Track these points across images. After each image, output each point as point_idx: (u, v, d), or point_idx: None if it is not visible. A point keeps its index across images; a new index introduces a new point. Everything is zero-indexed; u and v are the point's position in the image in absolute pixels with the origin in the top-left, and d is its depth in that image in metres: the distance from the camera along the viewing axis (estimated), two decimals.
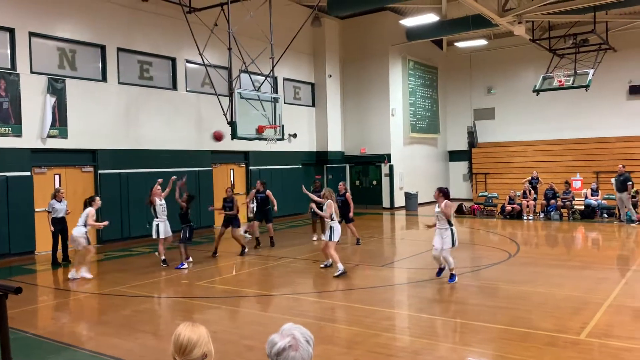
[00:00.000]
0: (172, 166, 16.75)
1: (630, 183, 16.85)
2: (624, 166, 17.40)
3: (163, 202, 11.85)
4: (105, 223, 11.71)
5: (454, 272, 9.32)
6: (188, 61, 17.47)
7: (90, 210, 10.78)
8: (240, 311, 8.15)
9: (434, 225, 9.54)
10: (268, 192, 14.03)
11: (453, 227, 9.30)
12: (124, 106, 15.70)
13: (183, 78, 17.50)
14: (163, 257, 11.72)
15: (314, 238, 14.72)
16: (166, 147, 16.72)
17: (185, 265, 11.53)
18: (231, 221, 12.86)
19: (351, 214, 13.93)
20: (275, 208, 13.99)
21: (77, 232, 10.57)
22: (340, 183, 14.78)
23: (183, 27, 15.14)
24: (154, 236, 11.75)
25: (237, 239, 13.00)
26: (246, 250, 13.01)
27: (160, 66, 17.04)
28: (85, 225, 10.66)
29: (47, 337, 6.99)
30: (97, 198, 11.29)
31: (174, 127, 17.00)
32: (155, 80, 16.82)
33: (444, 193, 9.47)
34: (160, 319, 7.82)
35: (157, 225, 11.66)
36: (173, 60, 17.22)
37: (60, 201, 12.14)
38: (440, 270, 9.66)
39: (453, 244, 9.25)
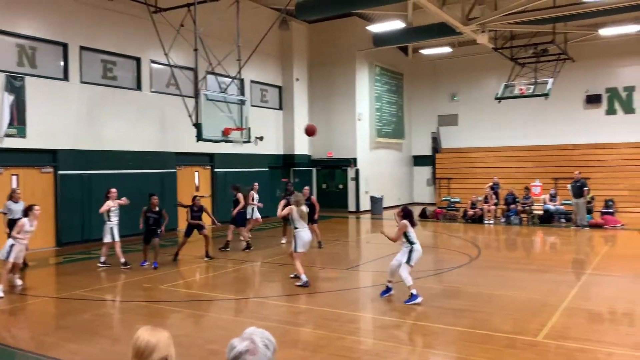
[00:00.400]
0: (135, 167, 16.50)
1: (587, 189, 17.44)
2: (580, 172, 17.99)
3: (117, 204, 11.80)
4: (124, 200, 11.95)
5: (413, 292, 8.34)
6: (153, 61, 17.22)
7: (20, 221, 9.64)
8: (205, 315, 8.08)
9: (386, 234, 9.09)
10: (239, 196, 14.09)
11: (414, 246, 8.59)
12: (87, 106, 15.35)
13: (148, 78, 17.24)
14: (123, 260, 11.51)
15: (283, 241, 14.69)
16: (129, 148, 16.42)
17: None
18: (199, 227, 12.68)
19: (316, 216, 13.98)
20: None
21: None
22: (305, 188, 14.82)
23: (148, 27, 14.93)
24: (109, 239, 11.56)
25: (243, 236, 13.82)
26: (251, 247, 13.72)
27: (125, 66, 16.74)
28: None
29: (3, 343, 6.77)
30: (36, 207, 9.82)
31: (138, 128, 16.72)
32: (119, 80, 16.51)
33: (404, 213, 8.72)
34: (122, 323, 7.68)
35: (112, 228, 11.58)
36: (138, 60, 16.95)
37: (16, 202, 11.63)
38: (387, 290, 8.83)
39: (408, 261, 8.51)
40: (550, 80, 20.18)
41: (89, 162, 15.25)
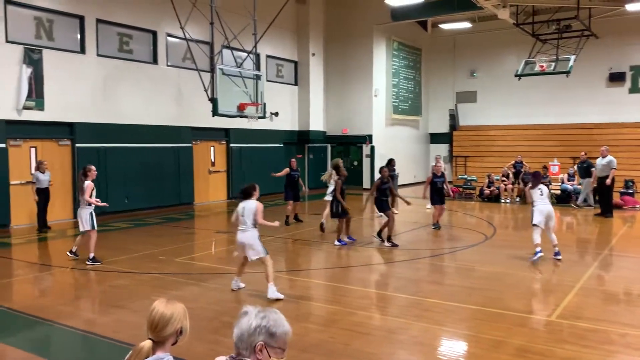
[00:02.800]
0: (151, 142, 16.59)
1: (594, 169, 17.05)
2: (585, 153, 17.84)
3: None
4: (105, 204, 10.18)
5: (537, 249, 9.49)
6: (169, 35, 17.15)
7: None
8: (218, 288, 8.16)
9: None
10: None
11: (534, 207, 9.69)
12: (103, 79, 15.39)
13: (164, 52, 17.20)
14: (92, 254, 9.77)
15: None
16: (146, 122, 16.49)
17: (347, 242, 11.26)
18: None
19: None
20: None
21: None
22: (292, 160, 14.54)
23: (165, 0, 14.82)
24: (89, 227, 9.60)
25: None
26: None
27: (141, 39, 16.71)
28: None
29: (22, 311, 6.93)
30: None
31: (154, 102, 16.75)
32: (135, 53, 16.50)
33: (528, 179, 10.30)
34: (136, 294, 7.80)
35: (91, 214, 9.67)
36: (154, 33, 16.90)
37: (43, 172, 12.74)
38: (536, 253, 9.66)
39: (532, 221, 9.79)
40: (572, 57, 19.68)
41: (105, 135, 15.36)
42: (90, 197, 9.56)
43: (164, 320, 2.49)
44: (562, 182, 19.36)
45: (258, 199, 7.55)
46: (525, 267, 9.28)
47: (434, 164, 14.24)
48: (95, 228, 9.67)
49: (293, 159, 14.61)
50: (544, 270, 9.14)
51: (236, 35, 14.56)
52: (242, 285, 7.91)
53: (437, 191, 13.09)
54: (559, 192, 19.10)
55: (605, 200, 15.77)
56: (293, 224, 14.09)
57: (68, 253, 9.90)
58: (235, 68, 14.69)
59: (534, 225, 9.63)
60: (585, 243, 12.41)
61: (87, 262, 9.46)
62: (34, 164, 13.70)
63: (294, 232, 13.02)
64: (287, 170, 13.99)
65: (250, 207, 7.38)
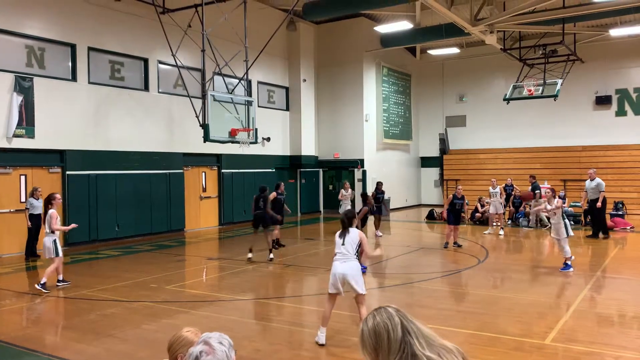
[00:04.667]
0: (142, 168, 16.55)
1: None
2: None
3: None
4: (73, 226, 10.50)
5: (568, 262, 10.91)
6: (160, 62, 17.27)
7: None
8: (210, 316, 8.06)
9: None
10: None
11: (566, 220, 11.33)
12: (94, 106, 15.41)
13: (155, 79, 17.29)
14: (61, 277, 9.99)
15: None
16: (137, 149, 16.47)
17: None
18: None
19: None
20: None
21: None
22: (281, 183, 14.43)
23: (156, 28, 14.98)
24: (53, 255, 9.63)
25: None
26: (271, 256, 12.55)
27: (132, 66, 16.80)
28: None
29: (10, 342, 6.79)
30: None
31: (145, 129, 16.76)
32: (127, 80, 16.57)
33: (555, 194, 11.76)
34: (127, 323, 7.67)
35: (55, 241, 9.67)
36: (145, 60, 17.01)
37: (37, 199, 12.81)
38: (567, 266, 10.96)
39: (567, 234, 11.18)
40: (559, 81, 20.03)
41: (96, 163, 15.31)
42: (56, 225, 9.70)
43: (186, 342, 2.65)
44: None
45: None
46: (519, 290, 9.25)
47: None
48: (60, 255, 9.76)
49: (281, 183, 14.47)
50: (537, 293, 9.12)
51: (227, 62, 14.70)
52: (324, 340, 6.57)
53: (454, 212, 14.07)
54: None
55: (597, 222, 15.86)
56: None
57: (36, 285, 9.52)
58: (226, 94, 14.79)
59: (569, 237, 11.13)
60: (577, 265, 12.42)
61: (37, 286, 9.45)
62: (23, 192, 13.64)
63: (287, 256, 12.92)
64: (274, 194, 13.71)
65: (354, 236, 6.69)
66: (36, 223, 12.84)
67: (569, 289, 9.36)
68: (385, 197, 23.39)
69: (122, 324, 7.58)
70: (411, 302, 8.75)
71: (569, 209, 19.26)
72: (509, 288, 9.44)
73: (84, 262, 12.83)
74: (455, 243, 14.11)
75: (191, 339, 2.62)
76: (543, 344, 6.45)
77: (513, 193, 19.93)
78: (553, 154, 23.75)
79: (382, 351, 1.82)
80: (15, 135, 13.44)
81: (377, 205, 16.98)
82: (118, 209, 15.73)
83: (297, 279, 11.04)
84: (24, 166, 13.97)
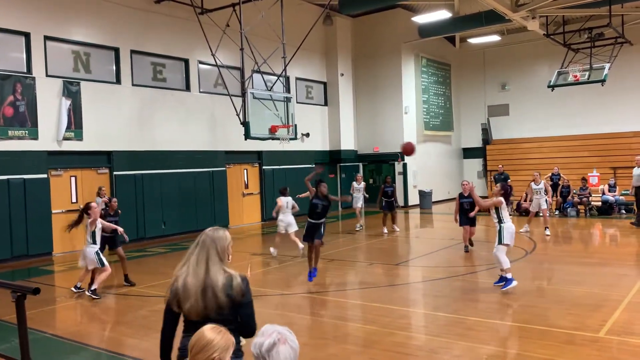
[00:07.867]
0: (186, 167, 16.89)
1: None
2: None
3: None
4: (121, 230, 9.84)
5: (508, 276, 8.36)
6: (201, 62, 17.55)
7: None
8: (255, 311, 8.16)
9: None
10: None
11: (504, 225, 8.49)
12: (138, 108, 15.81)
13: (196, 79, 17.59)
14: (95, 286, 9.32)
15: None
16: (180, 148, 16.81)
17: None
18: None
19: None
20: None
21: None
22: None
23: (195, 29, 15.24)
24: (98, 266, 9.20)
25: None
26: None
27: (173, 68, 17.14)
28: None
29: (66, 337, 7.07)
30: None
31: (188, 128, 17.09)
32: (169, 81, 16.92)
33: (505, 192, 8.60)
34: None
35: (98, 252, 9.26)
36: (186, 61, 17.32)
37: (102, 197, 12.99)
38: (501, 280, 8.66)
39: (500, 241, 8.50)
40: (607, 66, 19.28)
41: (141, 163, 15.71)
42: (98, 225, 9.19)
43: (200, 344, 2.39)
44: (603, 194, 18.80)
45: None
46: (568, 282, 8.99)
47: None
48: (106, 264, 9.23)
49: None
50: (589, 284, 8.84)
51: (266, 59, 14.82)
52: None
53: (463, 212, 12.60)
54: (599, 203, 18.56)
55: None
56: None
57: (72, 289, 9.52)
58: (265, 91, 14.92)
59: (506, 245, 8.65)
60: (629, 256, 11.97)
61: (87, 292, 9.21)
62: (74, 193, 14.19)
63: (330, 251, 12.95)
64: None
65: None
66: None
67: (623, 280, 9.03)
68: (427, 190, 23.27)
69: None
70: (456, 296, 8.63)
71: (620, 197, 18.58)
72: (558, 280, 9.19)
73: (133, 259, 13.18)
74: (465, 247, 12.53)
75: (217, 339, 2.42)
76: (597, 336, 6.25)
77: (560, 182, 19.34)
78: (601, 140, 22.90)
79: None
80: (65, 138, 13.94)
81: (386, 200, 15.79)
82: (164, 207, 16.11)
83: (341, 274, 11.05)
84: (73, 168, 14.48)
